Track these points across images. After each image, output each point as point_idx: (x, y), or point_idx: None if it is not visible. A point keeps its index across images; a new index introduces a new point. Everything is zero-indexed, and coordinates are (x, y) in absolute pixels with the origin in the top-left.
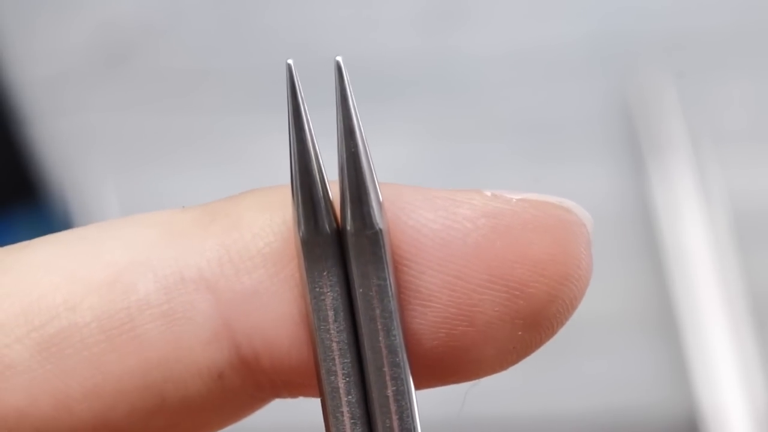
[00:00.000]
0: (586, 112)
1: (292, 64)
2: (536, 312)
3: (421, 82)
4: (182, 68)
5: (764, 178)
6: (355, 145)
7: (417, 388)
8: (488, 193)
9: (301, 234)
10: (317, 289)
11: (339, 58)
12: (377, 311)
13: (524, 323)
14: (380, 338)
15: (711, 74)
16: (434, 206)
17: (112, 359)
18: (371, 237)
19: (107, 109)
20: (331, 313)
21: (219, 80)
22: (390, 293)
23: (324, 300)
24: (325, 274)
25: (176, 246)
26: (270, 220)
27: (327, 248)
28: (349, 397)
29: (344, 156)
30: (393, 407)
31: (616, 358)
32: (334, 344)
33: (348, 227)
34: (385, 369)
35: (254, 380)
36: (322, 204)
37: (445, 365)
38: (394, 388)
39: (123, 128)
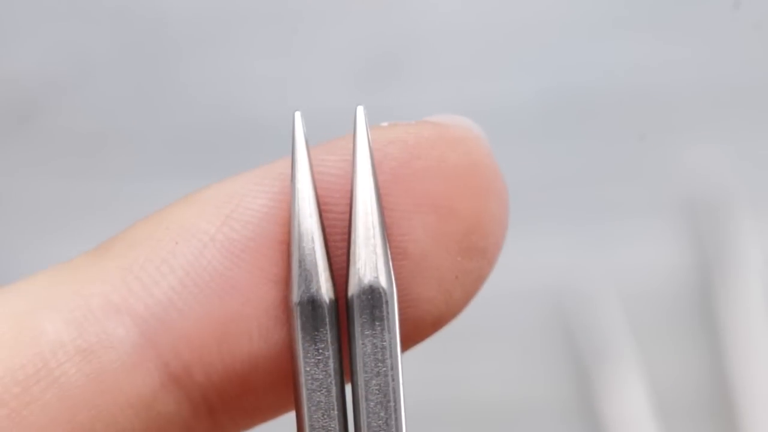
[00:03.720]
0: (541, 177)
1: (299, 115)
2: (469, 231)
3: None
4: (88, 128)
5: None
6: (355, 211)
7: None
8: (385, 124)
9: (295, 301)
10: (309, 362)
11: (360, 107)
12: (379, 374)
13: (459, 246)
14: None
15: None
16: (337, 149)
17: (34, 411)
18: (373, 297)
19: (8, 172)
20: (319, 394)
21: (128, 141)
22: (394, 356)
23: (316, 374)
24: (317, 345)
25: (76, 280)
26: (165, 230)
27: (322, 315)
28: None
29: (351, 216)
30: None
31: None
32: (325, 424)
33: (349, 288)
34: None
35: (190, 402)
36: (321, 268)
37: None
38: None
39: (23, 192)
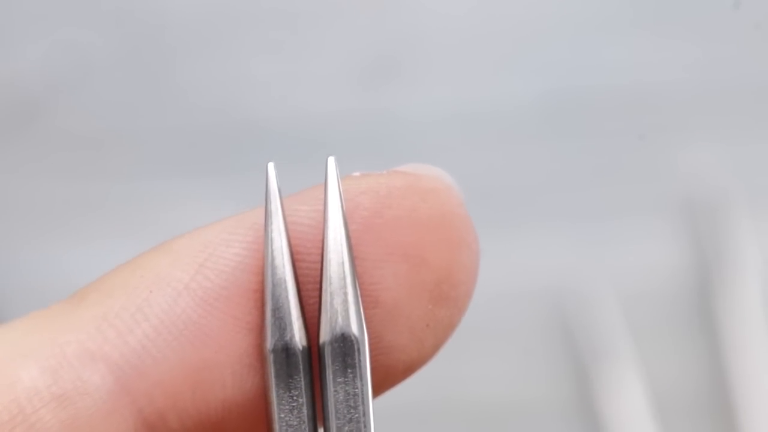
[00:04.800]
0: (539, 178)
1: (272, 166)
2: (440, 280)
3: (356, 146)
4: (89, 129)
5: None
6: (327, 260)
7: None
8: (357, 174)
9: (269, 348)
10: (284, 409)
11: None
12: (351, 420)
13: (431, 295)
14: None
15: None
16: (309, 199)
17: None
18: (345, 345)
19: (8, 173)
20: None
21: (128, 142)
22: (366, 403)
23: (290, 421)
24: (291, 392)
25: (52, 328)
26: (140, 278)
27: (296, 362)
28: None
29: (323, 268)
30: None
31: None
32: None
33: (323, 338)
34: None
35: None
36: (293, 317)
37: None
38: None
39: (24, 192)
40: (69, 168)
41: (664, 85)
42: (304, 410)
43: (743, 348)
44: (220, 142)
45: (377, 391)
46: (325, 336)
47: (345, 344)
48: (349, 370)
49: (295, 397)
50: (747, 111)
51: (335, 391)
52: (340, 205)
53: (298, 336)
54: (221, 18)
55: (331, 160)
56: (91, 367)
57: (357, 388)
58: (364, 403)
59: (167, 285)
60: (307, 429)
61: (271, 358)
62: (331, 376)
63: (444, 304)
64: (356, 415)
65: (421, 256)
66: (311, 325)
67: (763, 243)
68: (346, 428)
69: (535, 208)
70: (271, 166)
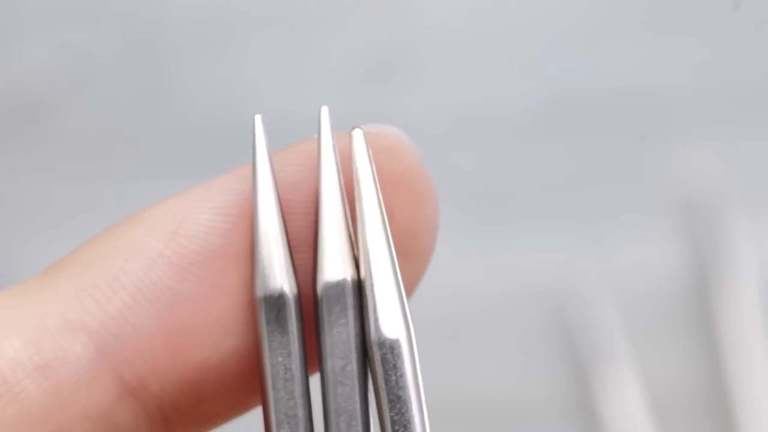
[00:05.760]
0: (538, 179)
1: (259, 118)
2: (405, 234)
3: None
4: (92, 130)
5: None
6: (324, 201)
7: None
8: (315, 136)
9: (259, 296)
10: (274, 354)
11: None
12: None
13: (396, 249)
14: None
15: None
16: (297, 151)
17: None
18: (337, 290)
19: (12, 173)
20: (288, 383)
21: (131, 143)
22: (357, 350)
23: (281, 367)
24: (283, 338)
25: (31, 301)
26: (115, 248)
27: (287, 309)
28: None
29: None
30: None
31: None
32: (290, 419)
33: (316, 282)
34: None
35: (146, 412)
36: (283, 264)
37: None
38: None
39: (27, 193)
40: (70, 169)
41: (664, 86)
42: (298, 355)
43: (740, 348)
44: (220, 144)
45: None
46: (326, 277)
47: (345, 287)
48: (351, 312)
49: (286, 344)
50: (747, 112)
51: (338, 332)
52: (333, 154)
53: (288, 283)
54: (221, 21)
55: (324, 110)
56: (72, 337)
57: (357, 329)
58: (358, 345)
59: (142, 253)
60: (300, 373)
61: (262, 305)
62: (333, 318)
63: (409, 257)
64: (356, 355)
65: (386, 212)
66: (300, 273)
67: (761, 244)
68: (348, 368)
69: (534, 208)
70: (258, 118)
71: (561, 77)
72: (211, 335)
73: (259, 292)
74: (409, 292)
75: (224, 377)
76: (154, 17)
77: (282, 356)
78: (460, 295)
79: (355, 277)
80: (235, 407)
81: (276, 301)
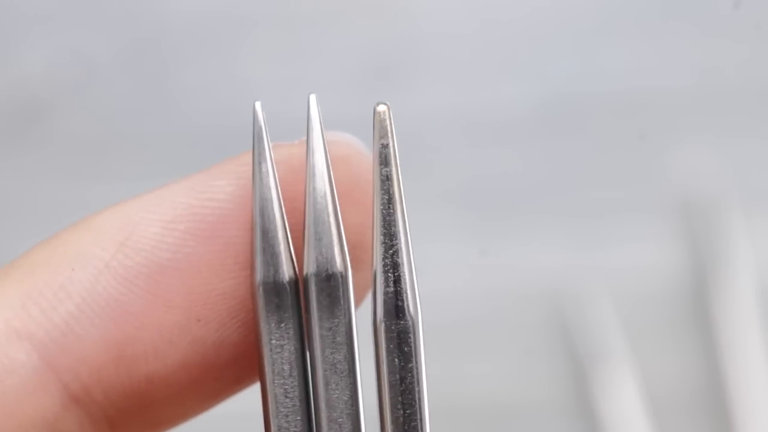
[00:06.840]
0: (537, 179)
1: (259, 106)
2: (354, 245)
3: None
4: (93, 131)
5: None
6: (315, 188)
7: None
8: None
9: (259, 281)
10: (273, 341)
11: (312, 96)
12: (337, 358)
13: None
14: (338, 390)
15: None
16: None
17: None
18: (330, 280)
19: (12, 173)
20: (286, 367)
21: (132, 144)
22: (352, 339)
23: (281, 353)
24: (282, 324)
25: None
26: (63, 256)
27: (285, 297)
28: None
29: (307, 199)
30: None
31: None
32: (288, 401)
33: (307, 271)
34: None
35: (91, 420)
36: (282, 250)
37: None
38: None
39: (28, 194)
40: (71, 170)
41: (663, 87)
42: (293, 338)
43: (738, 347)
44: (221, 145)
45: None
46: (309, 268)
47: (330, 279)
48: (335, 304)
49: (284, 328)
50: (746, 112)
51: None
52: (322, 141)
53: (286, 268)
54: (223, 23)
55: (313, 98)
56: (16, 345)
57: (345, 318)
58: (348, 334)
59: (89, 263)
60: (298, 359)
61: (261, 290)
62: (316, 307)
63: (359, 267)
64: (346, 340)
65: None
66: (298, 260)
67: (759, 244)
68: (338, 356)
69: (533, 209)
70: (258, 104)
71: (560, 78)
72: (156, 348)
73: (258, 277)
74: (357, 302)
75: (170, 388)
76: (154, 20)
77: (278, 348)
78: (460, 295)
79: (343, 268)
80: (184, 413)
81: (274, 287)
